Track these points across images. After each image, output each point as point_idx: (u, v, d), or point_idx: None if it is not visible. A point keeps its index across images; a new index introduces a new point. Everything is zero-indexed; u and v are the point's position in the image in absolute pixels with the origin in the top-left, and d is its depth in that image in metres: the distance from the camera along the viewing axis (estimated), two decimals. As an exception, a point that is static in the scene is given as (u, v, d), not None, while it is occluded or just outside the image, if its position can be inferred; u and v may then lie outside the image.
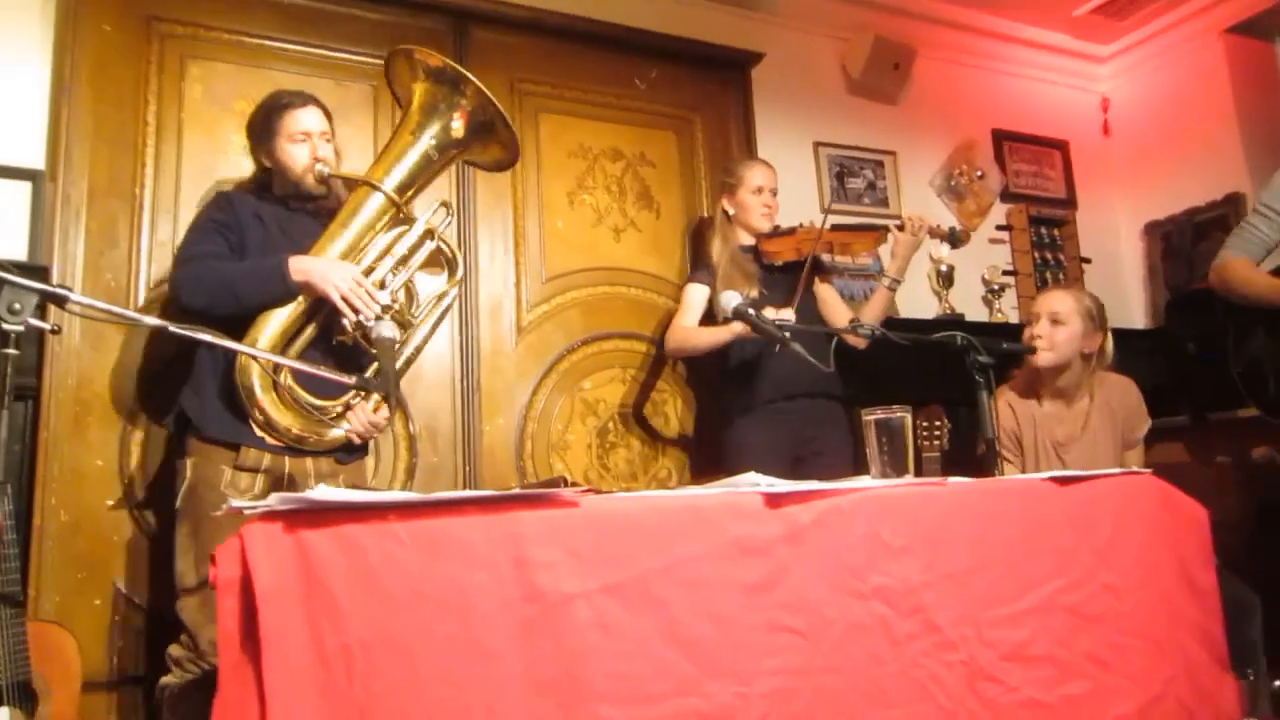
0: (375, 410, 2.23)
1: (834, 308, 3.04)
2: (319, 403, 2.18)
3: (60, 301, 1.51)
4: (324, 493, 1.18)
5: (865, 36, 3.96)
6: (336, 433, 2.23)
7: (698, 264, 3.13)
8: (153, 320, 1.60)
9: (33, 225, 2.60)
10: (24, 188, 2.61)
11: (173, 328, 1.60)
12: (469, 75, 2.35)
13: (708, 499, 1.44)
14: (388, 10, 3.09)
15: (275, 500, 1.16)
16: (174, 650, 2.08)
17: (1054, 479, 1.78)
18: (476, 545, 1.23)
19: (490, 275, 3.15)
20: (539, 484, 1.85)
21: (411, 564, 1.18)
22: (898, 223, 2.84)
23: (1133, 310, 4.63)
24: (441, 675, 1.17)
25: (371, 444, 2.46)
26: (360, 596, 1.14)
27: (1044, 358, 2.62)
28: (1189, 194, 4.35)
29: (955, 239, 2.86)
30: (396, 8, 3.10)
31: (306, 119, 2.31)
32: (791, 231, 2.93)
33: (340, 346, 2.24)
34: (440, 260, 2.45)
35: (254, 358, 2.05)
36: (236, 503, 1.20)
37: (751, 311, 2.19)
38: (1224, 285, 2.75)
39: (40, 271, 2.47)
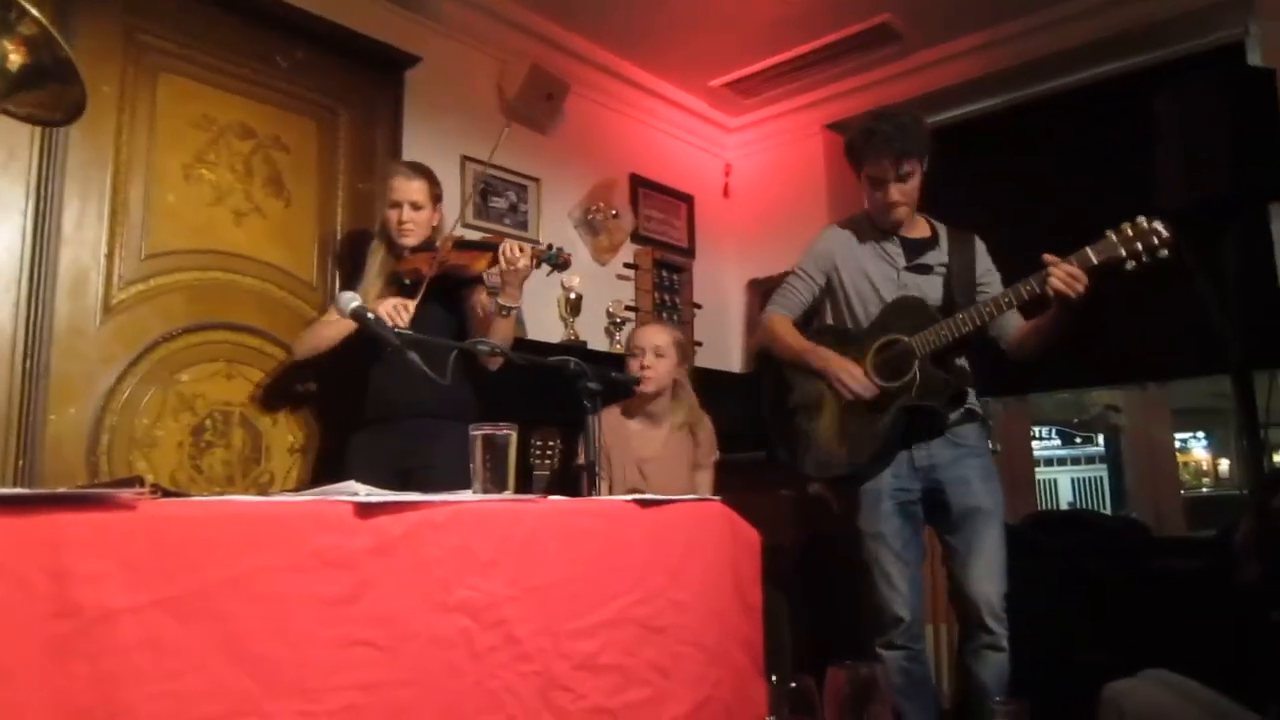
0: None
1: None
2: None
3: None
4: None
5: (523, 62, 4.07)
6: None
7: (355, 274, 2.96)
8: None
9: None
10: None
11: None
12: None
13: (293, 507, 1.37)
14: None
15: None
16: None
17: (637, 501, 1.92)
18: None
19: (76, 242, 2.76)
20: (108, 484, 1.64)
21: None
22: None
23: (733, 355, 5.19)
24: (-72, 704, 0.99)
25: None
26: None
27: (650, 386, 2.98)
28: (785, 260, 4.88)
29: (554, 260, 2.69)
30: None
31: None
32: (429, 247, 2.86)
33: None
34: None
35: None
36: None
37: (370, 315, 2.13)
38: (765, 339, 2.87)
39: None
